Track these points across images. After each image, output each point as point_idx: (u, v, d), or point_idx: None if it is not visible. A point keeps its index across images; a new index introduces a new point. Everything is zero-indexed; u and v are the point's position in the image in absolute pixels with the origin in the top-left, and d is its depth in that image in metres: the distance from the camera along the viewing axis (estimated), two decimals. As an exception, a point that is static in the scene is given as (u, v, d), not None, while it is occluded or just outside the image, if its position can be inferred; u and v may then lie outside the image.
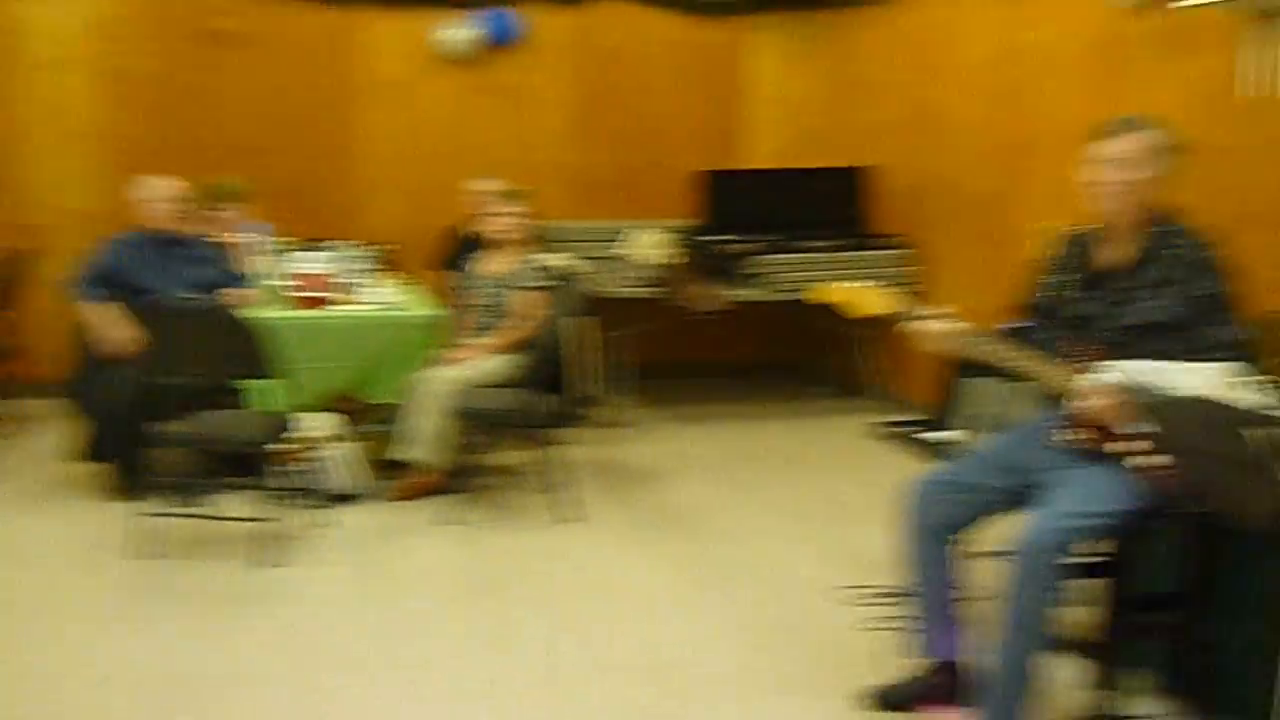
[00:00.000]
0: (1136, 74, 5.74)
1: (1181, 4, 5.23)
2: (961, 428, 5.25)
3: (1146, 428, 2.50)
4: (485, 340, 5.78)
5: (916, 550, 3.60)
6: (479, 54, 8.01)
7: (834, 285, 3.79)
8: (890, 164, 7.67)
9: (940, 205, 7.28)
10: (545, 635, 4.26)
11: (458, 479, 5.69)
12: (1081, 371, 3.42)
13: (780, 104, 8.56)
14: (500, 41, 7.98)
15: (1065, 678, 3.67)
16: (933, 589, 3.60)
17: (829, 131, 8.27)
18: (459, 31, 7.90)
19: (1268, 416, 2.00)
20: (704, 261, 7.26)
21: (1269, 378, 3.23)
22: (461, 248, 6.62)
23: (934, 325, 3.56)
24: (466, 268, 6.10)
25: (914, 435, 6.63)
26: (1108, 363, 3.38)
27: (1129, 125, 3.49)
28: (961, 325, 3.54)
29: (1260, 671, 3.35)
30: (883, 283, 3.83)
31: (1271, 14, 4.97)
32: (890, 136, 7.66)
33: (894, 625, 3.80)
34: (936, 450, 6.09)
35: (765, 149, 8.56)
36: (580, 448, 6.52)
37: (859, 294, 3.73)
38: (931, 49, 7.23)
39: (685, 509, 5.73)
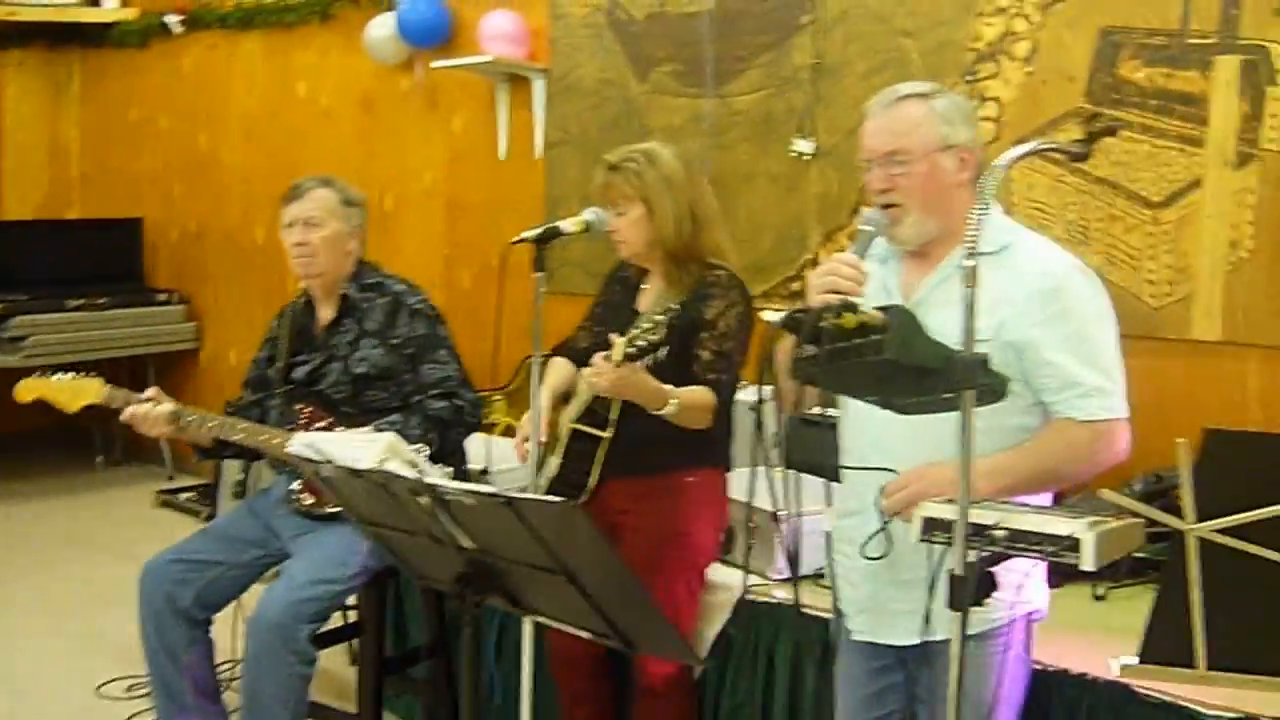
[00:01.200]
0: (404, 130, 5.94)
1: (440, 64, 5.42)
2: (221, 500, 5.10)
3: (331, 495, 2.54)
4: None
5: (157, 635, 3.42)
6: None
7: (33, 382, 3.59)
8: (166, 214, 7.35)
9: (219, 258, 7.10)
10: None
11: None
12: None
13: (44, 149, 7.91)
14: None
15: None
16: (180, 674, 3.43)
17: (100, 180, 7.78)
18: None
19: (429, 484, 2.08)
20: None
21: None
22: None
23: (141, 410, 3.44)
24: None
25: (198, 504, 6.35)
26: (301, 433, 3.39)
27: (309, 185, 3.56)
28: (168, 408, 3.45)
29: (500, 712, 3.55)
30: (81, 373, 3.67)
31: (520, 78, 5.28)
32: (165, 185, 7.35)
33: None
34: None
35: (28, 198, 7.85)
36: None
37: (60, 389, 3.57)
38: (204, 96, 7.04)
39: (-75, 612, 5.04)
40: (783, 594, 3.23)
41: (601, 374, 2.83)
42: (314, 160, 6.29)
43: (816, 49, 4.36)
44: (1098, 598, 3.17)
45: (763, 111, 4.54)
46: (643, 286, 3.28)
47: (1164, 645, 1.69)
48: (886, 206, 2.41)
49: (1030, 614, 2.48)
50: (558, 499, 1.99)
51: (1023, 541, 1.87)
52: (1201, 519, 1.57)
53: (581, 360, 3.24)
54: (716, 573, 3.33)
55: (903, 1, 4.15)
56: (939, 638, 2.25)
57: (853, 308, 1.87)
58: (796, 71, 4.43)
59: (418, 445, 3.15)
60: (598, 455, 3.16)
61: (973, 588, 1.83)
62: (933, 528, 1.99)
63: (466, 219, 5.70)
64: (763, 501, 3.34)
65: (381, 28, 5.66)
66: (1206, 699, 2.49)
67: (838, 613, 2.61)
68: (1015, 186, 3.86)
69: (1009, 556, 1.89)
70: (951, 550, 1.89)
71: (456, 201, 5.73)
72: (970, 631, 2.20)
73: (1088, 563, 1.82)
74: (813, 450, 2.90)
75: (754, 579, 3.28)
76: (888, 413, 2.15)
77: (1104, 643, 2.79)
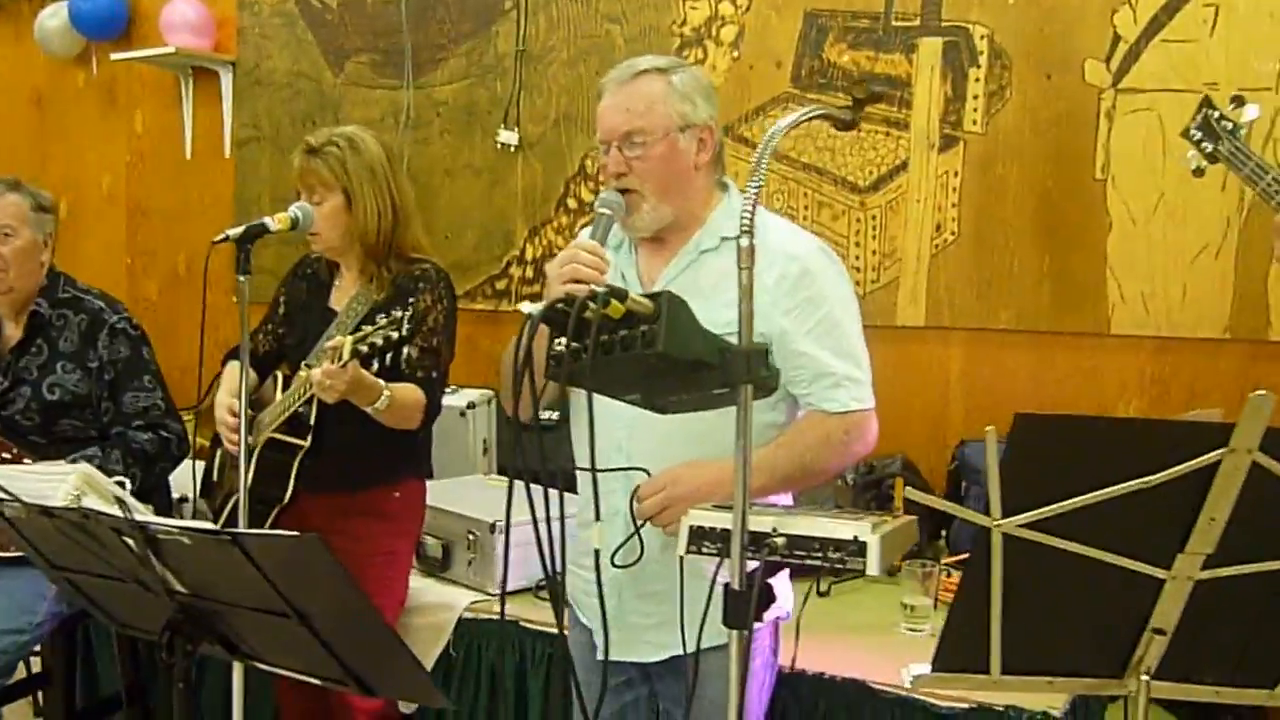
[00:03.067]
0: (80, 128, 5.26)
1: (119, 57, 4.74)
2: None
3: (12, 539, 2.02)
4: None
5: None
6: None
7: None
8: None
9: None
10: None
11: None
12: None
13: None
14: None
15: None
16: None
17: None
18: None
19: (138, 523, 1.70)
20: None
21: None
22: None
23: None
24: None
25: None
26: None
27: None
28: None
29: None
30: None
31: (206, 71, 4.65)
32: None
33: None
34: None
35: None
36: None
37: None
38: None
39: None
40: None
41: (335, 377, 2.41)
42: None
43: (520, 35, 3.97)
44: (821, 594, 2.88)
45: (465, 102, 4.13)
46: (336, 283, 2.82)
47: (959, 652, 1.43)
48: (623, 191, 2.11)
49: (778, 617, 2.21)
50: (294, 533, 1.62)
51: (803, 548, 1.60)
52: (1008, 513, 1.24)
53: (264, 365, 2.86)
54: (433, 592, 2.98)
55: (607, -15, 3.84)
56: (688, 651, 2.00)
57: (621, 295, 1.54)
58: (500, 59, 4.05)
59: (118, 479, 2.59)
60: (294, 465, 2.73)
61: (753, 602, 1.47)
62: (700, 538, 1.70)
63: (151, 224, 5.05)
64: (479, 512, 2.94)
65: (53, 18, 4.96)
66: (938, 690, 2.26)
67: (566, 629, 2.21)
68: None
69: (786, 565, 1.56)
70: (727, 562, 1.59)
71: (139, 206, 5.08)
72: (719, 642, 1.93)
73: (873, 567, 1.57)
74: (540, 456, 2.53)
75: (475, 595, 2.94)
76: (632, 414, 1.85)
77: (836, 641, 2.57)
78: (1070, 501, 1.27)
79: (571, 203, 3.92)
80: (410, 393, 2.62)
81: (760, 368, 1.53)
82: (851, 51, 3.42)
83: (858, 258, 3.44)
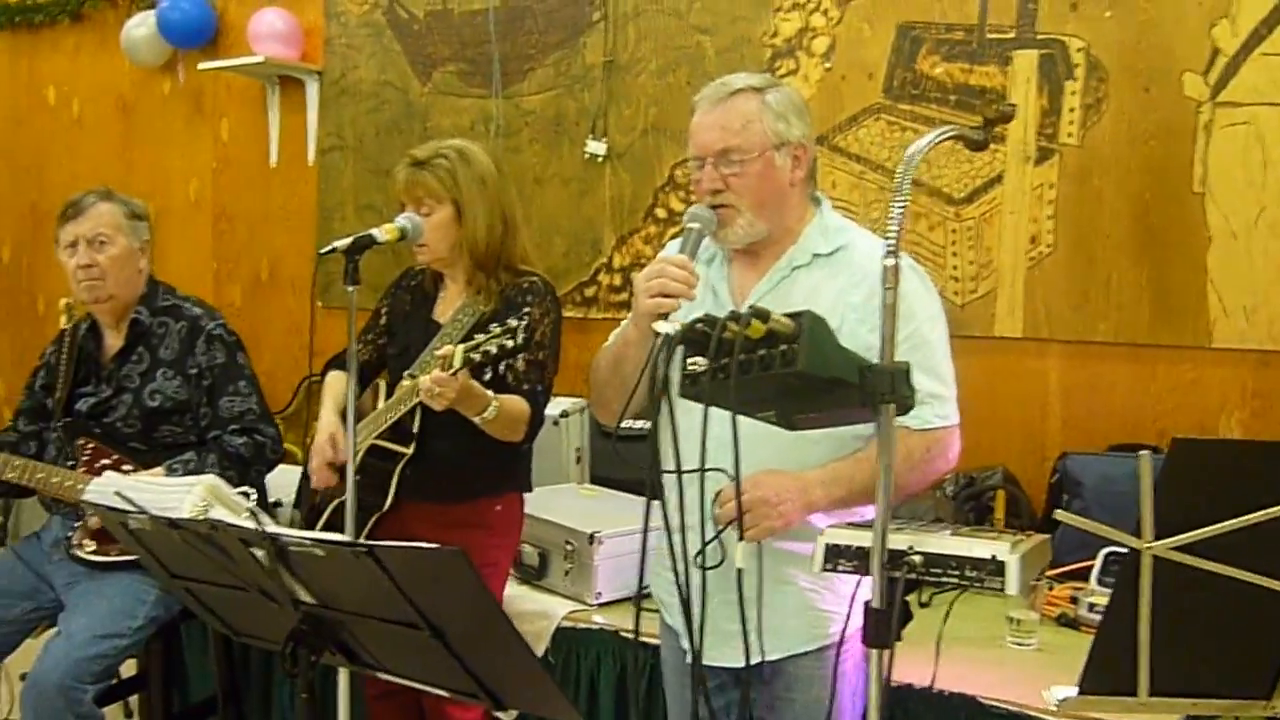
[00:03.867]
0: (167, 136, 5.35)
1: (207, 66, 4.83)
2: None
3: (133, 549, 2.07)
4: None
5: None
6: None
7: None
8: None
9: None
10: None
11: None
12: (91, 473, 2.95)
13: None
14: None
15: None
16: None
17: None
18: None
19: (269, 535, 1.71)
20: None
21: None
22: None
23: None
24: None
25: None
26: (99, 477, 2.93)
27: (89, 200, 3.09)
28: None
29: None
30: None
31: (292, 80, 4.75)
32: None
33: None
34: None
35: None
36: None
37: None
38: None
39: None
40: (602, 619, 2.87)
41: (445, 385, 2.44)
42: (66, 172, 5.61)
43: (608, 46, 4.01)
44: (922, 604, 2.87)
45: (553, 112, 4.17)
46: (440, 295, 2.88)
47: (1106, 674, 1.43)
48: (717, 206, 2.14)
49: None
50: (434, 546, 1.59)
51: (940, 566, 1.60)
52: (1159, 536, 1.27)
53: (362, 375, 2.87)
54: (530, 600, 3.01)
55: (697, -3, 3.86)
56: (774, 658, 2.11)
57: (764, 315, 1.55)
58: (588, 70, 4.09)
59: (242, 490, 2.64)
60: (396, 473, 2.75)
61: (895, 620, 1.48)
62: (837, 555, 1.69)
63: (235, 231, 5.13)
64: (576, 523, 2.97)
65: (140, 27, 5.04)
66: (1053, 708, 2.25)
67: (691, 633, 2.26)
68: (819, 184, 3.57)
69: (924, 584, 1.59)
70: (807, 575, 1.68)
71: (224, 213, 5.16)
72: (810, 647, 2.14)
73: (1012, 586, 1.57)
74: (628, 465, 2.56)
75: (572, 605, 2.98)
76: (720, 427, 1.80)
77: (941, 654, 2.51)
78: (1224, 524, 1.27)
79: (660, 212, 3.95)
80: (517, 404, 2.65)
81: (903, 386, 1.53)
82: (945, 63, 3.42)
83: (955, 268, 3.45)
